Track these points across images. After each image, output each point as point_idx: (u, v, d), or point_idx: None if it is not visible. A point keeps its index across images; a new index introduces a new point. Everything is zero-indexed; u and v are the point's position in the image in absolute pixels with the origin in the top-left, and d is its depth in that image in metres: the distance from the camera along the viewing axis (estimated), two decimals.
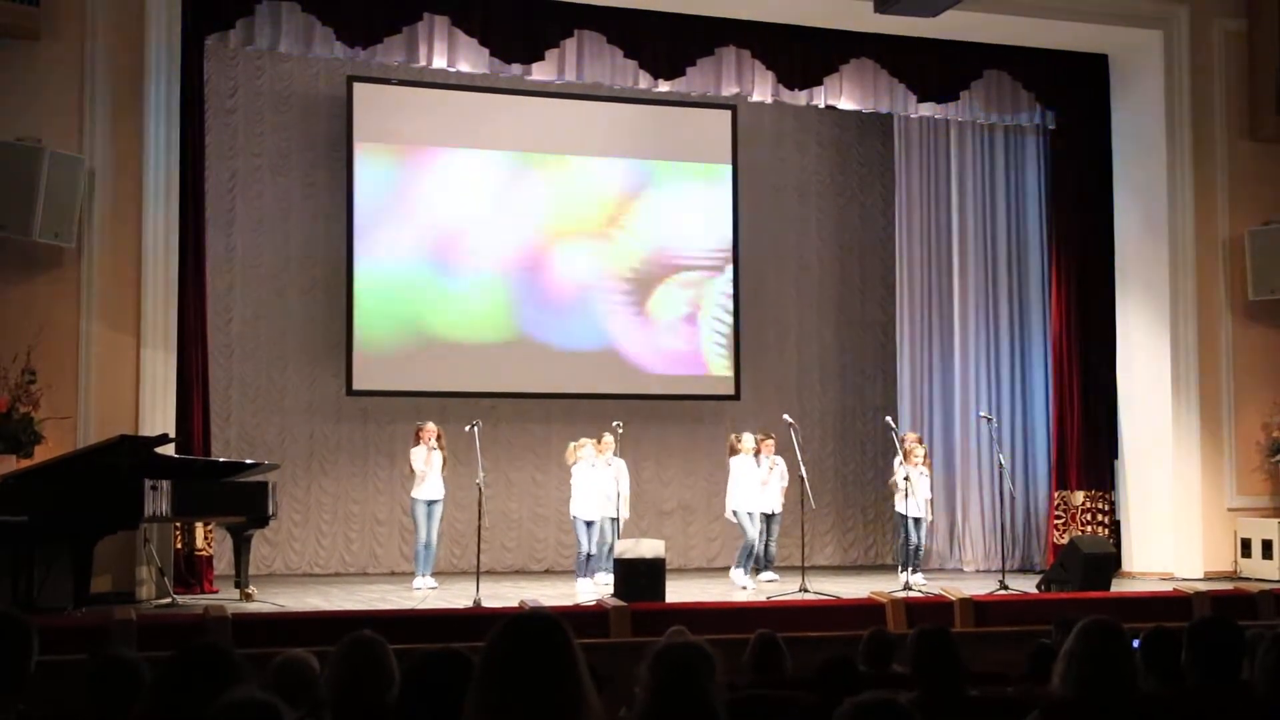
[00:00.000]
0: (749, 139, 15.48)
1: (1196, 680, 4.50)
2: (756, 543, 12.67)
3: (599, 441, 12.54)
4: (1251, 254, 13.33)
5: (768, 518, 12.87)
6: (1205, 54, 13.59)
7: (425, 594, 11.57)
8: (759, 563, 12.85)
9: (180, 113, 11.28)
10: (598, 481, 12.41)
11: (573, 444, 12.60)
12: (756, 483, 12.70)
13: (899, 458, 12.82)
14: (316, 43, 12.07)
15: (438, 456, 12.08)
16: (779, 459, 12.92)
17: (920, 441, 13.28)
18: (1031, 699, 4.64)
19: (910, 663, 5.02)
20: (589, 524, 12.39)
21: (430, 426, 12.19)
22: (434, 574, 12.27)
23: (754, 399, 15.26)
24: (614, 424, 12.30)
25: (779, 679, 5.63)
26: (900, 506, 12.78)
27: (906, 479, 12.52)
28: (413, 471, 12.22)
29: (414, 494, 12.24)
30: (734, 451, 12.86)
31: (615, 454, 12.60)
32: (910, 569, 12.32)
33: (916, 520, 12.71)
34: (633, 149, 14.96)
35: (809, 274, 15.90)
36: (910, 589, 11.24)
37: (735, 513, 12.76)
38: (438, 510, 12.22)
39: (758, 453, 12.79)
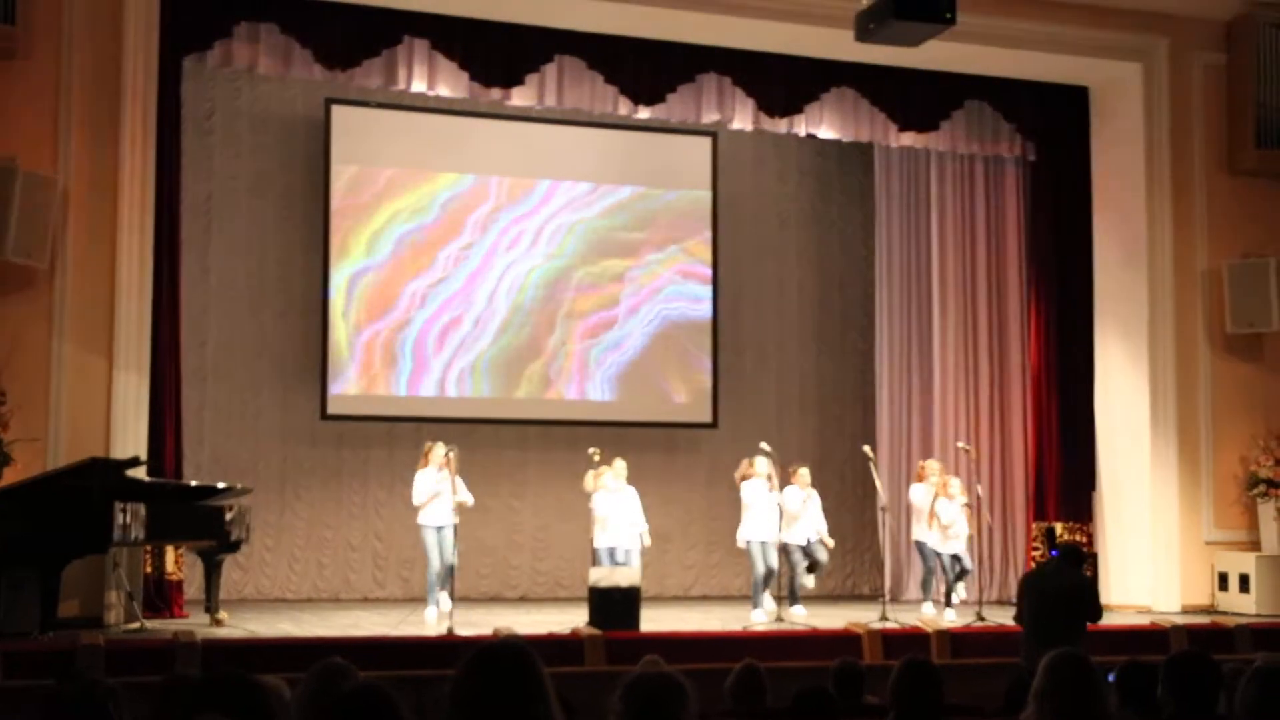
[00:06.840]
0: (729, 166, 15.48)
1: (1172, 714, 4.46)
2: (769, 575, 11.89)
3: (612, 466, 12.04)
4: (1230, 288, 13.35)
5: (801, 548, 12.11)
6: (1184, 87, 13.63)
7: (439, 621, 10.77)
8: (790, 595, 12.05)
9: (156, 133, 11.18)
10: (621, 509, 11.98)
11: (592, 471, 11.87)
12: (771, 510, 11.86)
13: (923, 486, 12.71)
14: (295, 64, 12.03)
15: (447, 480, 11.23)
16: (813, 491, 12.41)
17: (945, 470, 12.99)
18: None
19: (891, 694, 4.96)
20: (611, 551, 11.86)
21: (439, 448, 11.43)
22: (407, 600, 11.98)
23: (732, 427, 15.21)
24: (589, 451, 11.91)
25: (758, 710, 5.57)
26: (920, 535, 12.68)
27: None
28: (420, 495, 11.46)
29: (420, 519, 11.46)
30: (745, 477, 12.11)
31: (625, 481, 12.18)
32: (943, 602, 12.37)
33: (954, 556, 12.40)
34: (612, 175, 14.93)
35: (788, 302, 15.89)
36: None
37: (749, 542, 12.01)
38: (449, 535, 11.27)
39: (771, 478, 11.97)
